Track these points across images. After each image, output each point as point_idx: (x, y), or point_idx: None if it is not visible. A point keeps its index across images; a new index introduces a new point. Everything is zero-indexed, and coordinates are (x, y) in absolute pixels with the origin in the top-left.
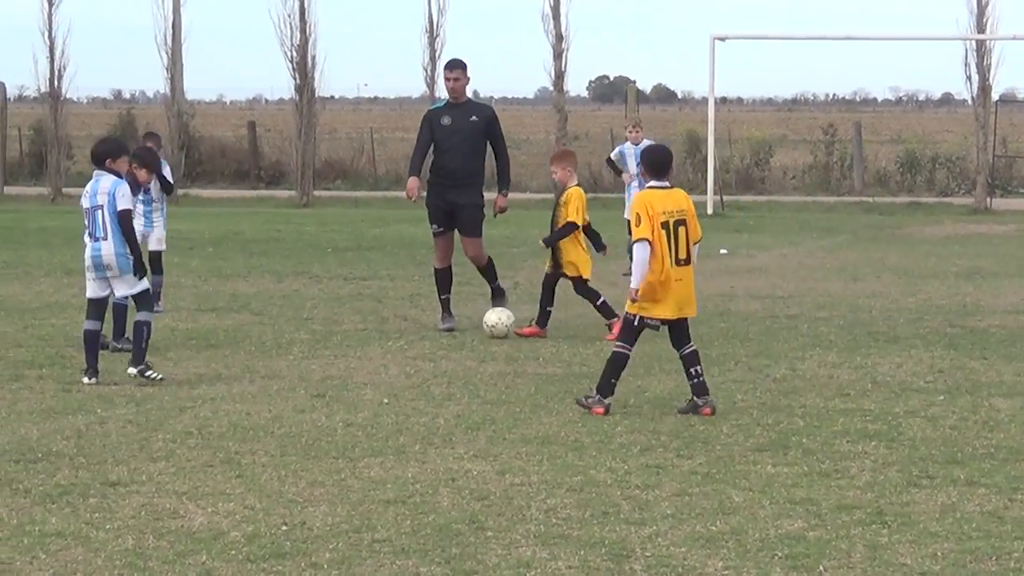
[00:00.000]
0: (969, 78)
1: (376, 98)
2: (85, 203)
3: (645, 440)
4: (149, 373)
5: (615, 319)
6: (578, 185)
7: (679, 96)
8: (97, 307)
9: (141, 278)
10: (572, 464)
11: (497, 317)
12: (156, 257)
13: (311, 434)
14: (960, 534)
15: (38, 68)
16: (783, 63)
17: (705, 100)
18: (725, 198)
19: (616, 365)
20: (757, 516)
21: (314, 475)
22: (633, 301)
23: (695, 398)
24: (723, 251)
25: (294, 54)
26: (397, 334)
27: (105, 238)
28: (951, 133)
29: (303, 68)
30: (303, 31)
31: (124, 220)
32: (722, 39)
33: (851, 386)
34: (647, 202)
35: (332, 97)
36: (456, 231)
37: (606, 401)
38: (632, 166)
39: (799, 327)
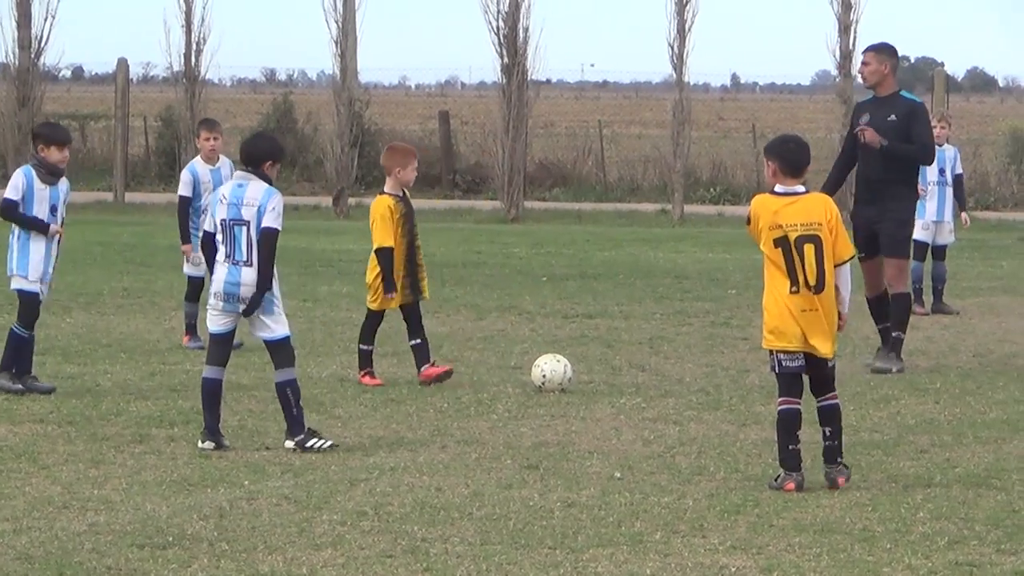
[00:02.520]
0: None
1: (606, 83)
2: (220, 212)
3: (954, 529)
4: (313, 443)
5: (367, 371)
6: (385, 193)
7: (1000, 84)
8: (223, 348)
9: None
10: (859, 559)
11: (552, 368)
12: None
13: (520, 516)
14: None
15: (171, 40)
16: None
17: None
18: None
19: (783, 427)
20: None
21: (524, 570)
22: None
23: (824, 465)
24: None
25: (501, 24)
26: (632, 389)
27: (249, 264)
28: None
29: (512, 43)
30: None
31: (268, 240)
32: None
33: None
34: (754, 212)
35: (549, 81)
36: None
37: (798, 475)
38: (931, 173)
39: None
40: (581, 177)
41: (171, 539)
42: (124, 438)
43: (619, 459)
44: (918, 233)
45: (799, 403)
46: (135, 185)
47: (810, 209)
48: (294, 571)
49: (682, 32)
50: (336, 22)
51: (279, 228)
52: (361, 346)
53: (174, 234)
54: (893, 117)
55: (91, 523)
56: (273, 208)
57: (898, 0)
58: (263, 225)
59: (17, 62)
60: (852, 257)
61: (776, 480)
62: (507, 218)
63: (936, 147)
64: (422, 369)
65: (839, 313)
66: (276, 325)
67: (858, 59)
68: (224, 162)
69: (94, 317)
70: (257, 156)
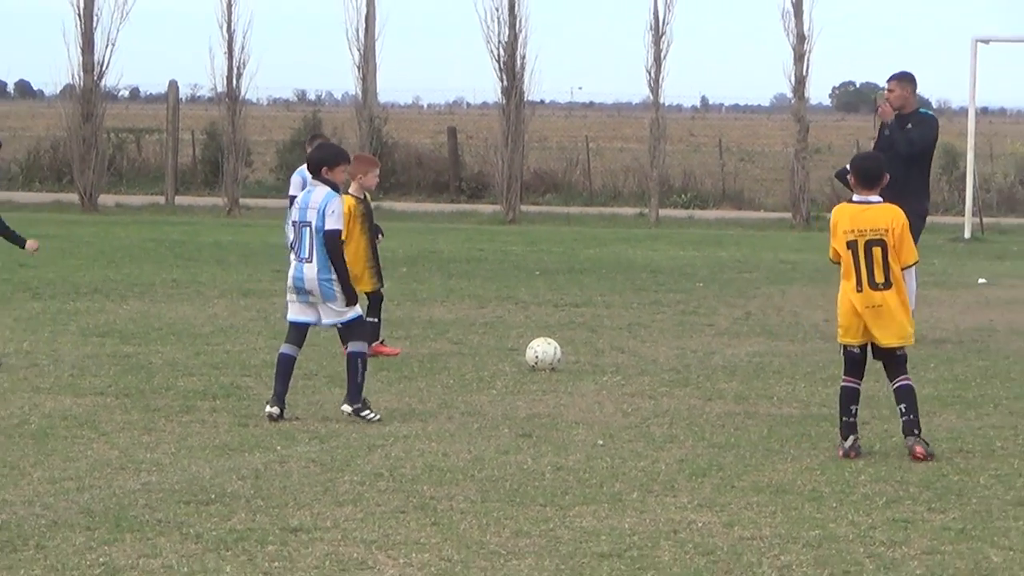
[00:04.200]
0: None
1: (592, 103)
2: (294, 215)
3: (891, 491)
4: (366, 414)
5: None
6: (347, 193)
7: (934, 105)
8: (297, 332)
9: (351, 305)
10: (809, 516)
11: (543, 350)
12: None
13: (516, 478)
14: None
15: (215, 65)
16: None
17: (964, 110)
18: (985, 220)
19: (842, 400)
20: None
21: (519, 524)
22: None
23: (904, 437)
24: (982, 281)
25: (501, 53)
26: (613, 368)
27: (310, 260)
28: None
29: (511, 68)
30: (512, 27)
31: (330, 241)
32: (985, 42)
33: None
34: (834, 219)
35: (542, 101)
36: None
37: (845, 444)
38: None
39: None
40: (570, 185)
41: (213, 496)
42: (173, 409)
43: (601, 429)
44: None
45: (858, 383)
46: (183, 190)
47: (878, 217)
48: (320, 524)
49: (658, 60)
50: (358, 49)
51: (338, 228)
52: None
53: (217, 232)
54: (910, 126)
55: (144, 482)
56: (333, 211)
57: (845, 33)
58: (324, 228)
59: (82, 83)
60: (915, 263)
61: (837, 445)
62: (505, 220)
63: None
64: (372, 344)
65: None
66: (345, 309)
67: (810, 84)
68: None
69: (147, 304)
70: (313, 164)
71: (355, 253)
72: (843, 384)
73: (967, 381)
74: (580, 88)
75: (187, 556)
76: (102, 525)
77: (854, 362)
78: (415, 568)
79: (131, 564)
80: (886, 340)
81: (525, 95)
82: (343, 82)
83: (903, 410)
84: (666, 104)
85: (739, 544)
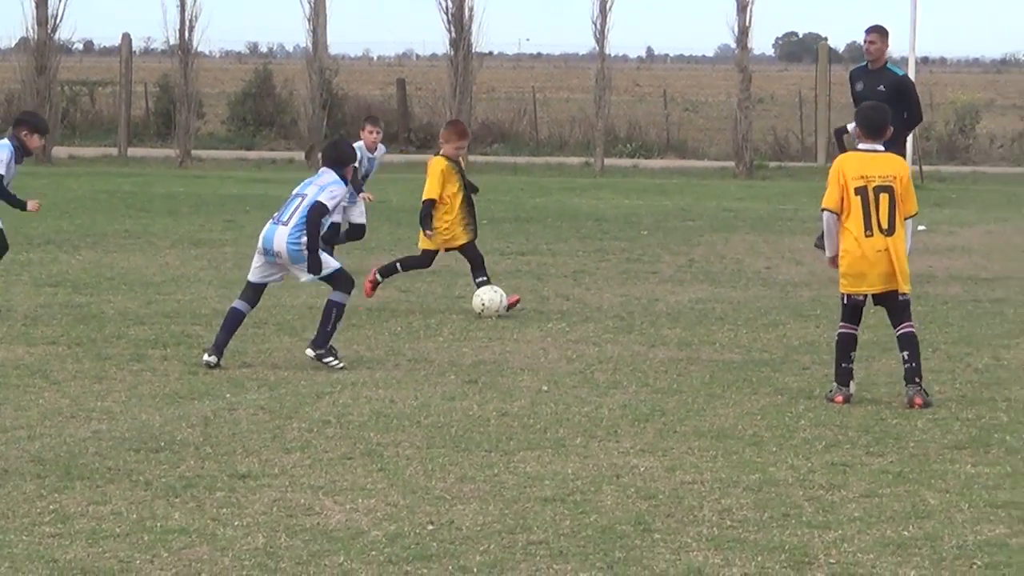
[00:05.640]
0: None
1: (539, 54)
2: (295, 191)
3: (831, 435)
4: (329, 360)
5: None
6: (438, 154)
7: None
8: (254, 291)
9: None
10: (749, 461)
11: (490, 298)
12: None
13: (461, 424)
14: None
15: (167, 18)
16: (992, 19)
17: (904, 60)
18: (925, 168)
19: (841, 347)
20: (954, 520)
21: (464, 469)
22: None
23: (905, 386)
24: (921, 228)
25: (449, 5)
26: (558, 315)
27: (285, 224)
28: None
29: (459, 20)
30: None
31: (314, 211)
32: None
33: None
34: (840, 167)
35: (490, 53)
36: None
37: (846, 389)
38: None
39: (1005, 312)
40: (517, 135)
41: (163, 444)
42: (124, 357)
43: (546, 375)
44: None
45: (856, 329)
46: (136, 142)
47: (886, 164)
48: (268, 471)
49: (603, 11)
50: (309, 2)
51: (327, 206)
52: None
53: (169, 183)
54: (882, 88)
55: (95, 430)
56: (334, 196)
57: None
58: (315, 199)
59: (36, 36)
60: (916, 213)
61: (830, 392)
62: None
63: None
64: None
65: None
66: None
67: (753, 34)
68: (380, 148)
69: (99, 254)
70: (342, 160)
71: (449, 213)
72: (841, 331)
73: None
74: (528, 40)
75: (136, 503)
76: (52, 473)
77: (855, 310)
78: (361, 513)
79: (81, 511)
80: (891, 285)
81: (473, 47)
82: (294, 35)
83: (906, 357)
84: (612, 55)
85: (680, 488)
